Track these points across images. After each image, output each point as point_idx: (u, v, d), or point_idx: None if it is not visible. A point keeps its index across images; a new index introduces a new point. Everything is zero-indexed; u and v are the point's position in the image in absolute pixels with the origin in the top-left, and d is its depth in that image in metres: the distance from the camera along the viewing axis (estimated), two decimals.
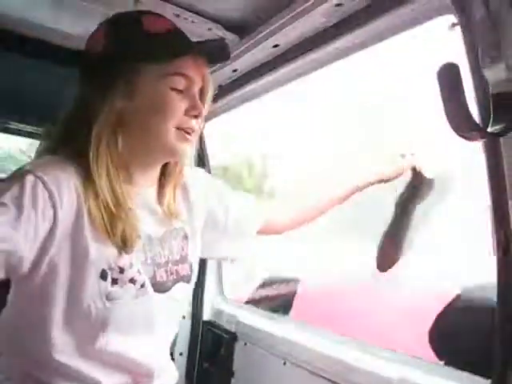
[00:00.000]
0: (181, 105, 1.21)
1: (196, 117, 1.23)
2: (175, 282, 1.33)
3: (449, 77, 0.96)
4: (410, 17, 1.35)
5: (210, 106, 2.16)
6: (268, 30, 1.58)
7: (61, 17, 1.76)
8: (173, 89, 1.20)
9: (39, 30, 1.85)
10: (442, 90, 0.97)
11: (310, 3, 1.41)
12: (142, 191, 1.29)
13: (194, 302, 2.48)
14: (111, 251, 1.18)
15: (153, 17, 1.26)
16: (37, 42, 1.90)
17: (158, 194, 1.35)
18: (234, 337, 2.24)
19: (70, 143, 1.20)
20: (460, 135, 0.98)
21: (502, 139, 1.01)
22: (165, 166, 1.35)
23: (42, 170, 1.12)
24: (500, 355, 1.13)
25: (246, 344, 2.20)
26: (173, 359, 2.33)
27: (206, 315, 2.46)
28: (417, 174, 1.59)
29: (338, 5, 1.40)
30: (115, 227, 1.17)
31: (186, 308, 2.43)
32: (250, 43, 1.69)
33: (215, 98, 2.18)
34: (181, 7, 1.63)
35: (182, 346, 2.44)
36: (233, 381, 2.23)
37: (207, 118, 2.42)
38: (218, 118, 2.37)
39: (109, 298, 1.18)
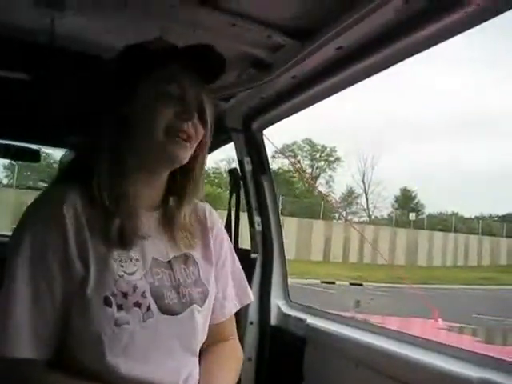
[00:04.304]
0: (171, 108, 1.30)
1: (186, 119, 1.31)
2: (188, 304, 1.35)
3: None
4: (477, 13, 1.33)
5: (270, 112, 2.18)
6: (332, 33, 1.56)
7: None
8: (165, 94, 1.31)
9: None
10: None
11: (374, 3, 1.39)
12: (148, 215, 1.36)
13: (260, 307, 2.49)
14: (111, 276, 1.23)
15: (156, 40, 1.39)
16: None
17: (165, 217, 1.40)
18: (303, 341, 2.23)
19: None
20: None
21: None
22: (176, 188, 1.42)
23: None
24: None
25: (315, 348, 2.19)
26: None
27: (273, 320, 2.46)
28: None
29: (406, 2, 1.39)
30: (112, 223, 1.25)
31: (253, 314, 2.46)
32: (312, 48, 1.67)
33: (274, 105, 2.23)
34: (237, 15, 1.64)
35: (250, 351, 2.44)
36: None
37: (266, 124, 2.47)
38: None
39: (117, 323, 1.21)
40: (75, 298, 1.21)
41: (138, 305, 1.24)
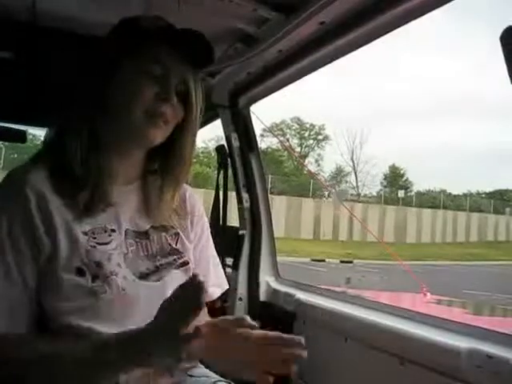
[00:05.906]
0: (151, 89, 1.28)
1: (165, 100, 1.29)
2: (168, 270, 1.37)
3: None
4: None
5: (256, 87, 2.16)
6: (314, 7, 1.55)
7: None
8: (148, 74, 1.28)
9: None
10: (506, 54, 0.95)
11: None
12: (124, 188, 1.36)
13: (249, 283, 2.50)
14: (81, 247, 1.24)
15: (151, 17, 1.34)
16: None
17: (142, 192, 1.41)
18: (292, 315, 2.24)
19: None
20: None
21: None
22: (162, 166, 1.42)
23: None
24: None
25: (304, 322, 2.20)
26: None
27: (263, 296, 2.47)
28: None
29: None
30: (80, 195, 1.25)
31: (242, 290, 2.48)
32: (296, 22, 1.66)
33: (261, 80, 2.22)
34: None
35: None
36: None
37: (253, 99, 2.46)
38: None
39: (92, 293, 1.22)
40: (48, 273, 1.22)
41: (114, 273, 1.25)
